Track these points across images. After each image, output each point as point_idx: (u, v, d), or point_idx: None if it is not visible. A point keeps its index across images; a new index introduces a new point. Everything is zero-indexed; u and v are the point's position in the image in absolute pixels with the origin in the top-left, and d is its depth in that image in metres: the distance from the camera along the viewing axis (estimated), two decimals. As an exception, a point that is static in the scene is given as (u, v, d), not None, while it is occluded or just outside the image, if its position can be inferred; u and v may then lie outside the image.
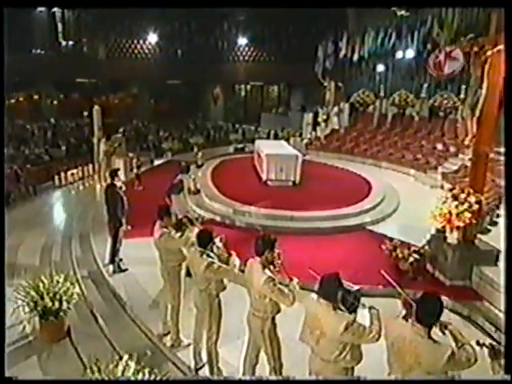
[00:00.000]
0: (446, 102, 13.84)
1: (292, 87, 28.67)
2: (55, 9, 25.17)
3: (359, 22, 23.26)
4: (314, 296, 3.34)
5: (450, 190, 6.23)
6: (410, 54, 15.59)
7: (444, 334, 2.83)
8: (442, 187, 11.21)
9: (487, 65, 5.70)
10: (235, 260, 4.04)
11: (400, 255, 6.33)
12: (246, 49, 27.44)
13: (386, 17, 20.68)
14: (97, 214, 9.33)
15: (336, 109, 16.62)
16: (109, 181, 6.57)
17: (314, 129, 16.62)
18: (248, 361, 3.92)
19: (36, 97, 26.84)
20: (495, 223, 7.83)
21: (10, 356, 5.23)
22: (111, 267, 6.65)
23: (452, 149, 12.41)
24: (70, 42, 25.93)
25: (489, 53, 5.63)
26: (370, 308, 3.24)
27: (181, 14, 25.48)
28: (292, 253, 3.96)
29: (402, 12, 20.29)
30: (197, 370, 4.42)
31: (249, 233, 7.32)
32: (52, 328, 5.41)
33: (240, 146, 16.67)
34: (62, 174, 12.99)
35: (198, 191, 10.08)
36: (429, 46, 18.47)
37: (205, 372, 4.41)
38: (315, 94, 27.40)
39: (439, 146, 12.88)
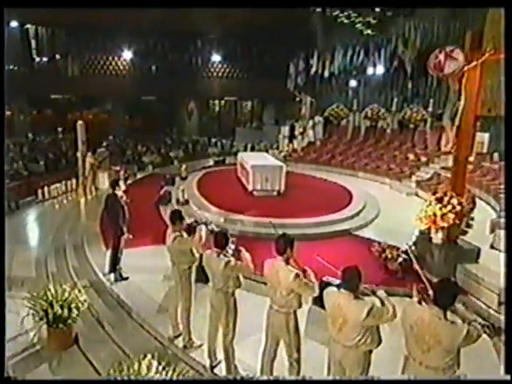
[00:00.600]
0: (415, 114, 14.52)
1: (265, 102, 29.19)
2: (28, 25, 24.89)
3: (328, 40, 24.05)
4: (333, 288, 3.58)
5: (433, 193, 6.62)
6: (380, 70, 16.28)
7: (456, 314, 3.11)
8: (416, 194, 11.75)
9: (464, 79, 6.16)
10: (248, 257, 4.25)
11: (389, 256, 6.66)
12: (220, 65, 27.80)
13: (353, 35, 21.53)
14: (87, 227, 9.32)
15: (311, 122, 17.09)
16: (110, 191, 6.64)
17: (291, 141, 17.02)
18: (267, 355, 4.09)
19: (8, 113, 26.25)
20: (470, 225, 8.32)
21: (21, 365, 5.22)
22: (112, 276, 6.68)
23: (423, 158, 13.02)
24: (44, 59, 25.59)
25: (465, 68, 6.08)
26: (374, 292, 3.52)
27: (155, 31, 25.65)
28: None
29: (368, 31, 21.16)
30: (212, 368, 4.55)
31: (243, 240, 7.50)
32: (60, 336, 5.42)
33: (220, 158, 16.87)
34: (46, 189, 12.81)
35: (186, 202, 10.20)
36: (395, 63, 19.42)
37: (221, 370, 4.55)
38: (287, 109, 28.05)
39: (411, 156, 13.49)
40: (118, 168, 13.24)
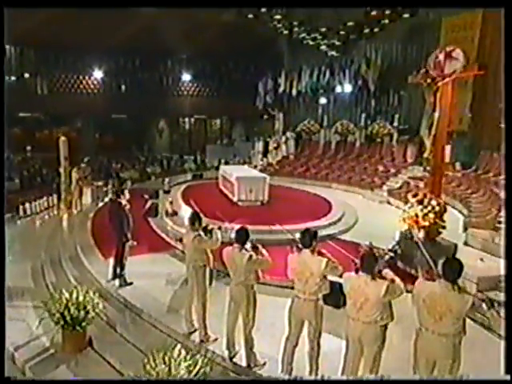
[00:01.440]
0: (381, 129, 15.38)
1: (233, 120, 29.77)
2: (-4, 44, 24.48)
3: (295, 60, 25.03)
4: (352, 273, 4.00)
5: (414, 196, 7.21)
6: (348, 88, 17.16)
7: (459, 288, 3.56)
8: (388, 202, 12.45)
9: (439, 93, 6.82)
10: (265, 253, 4.61)
11: (377, 255, 7.14)
12: (190, 84, 28.20)
13: (319, 56, 22.57)
14: (81, 238, 9.36)
15: (284, 138, 17.70)
16: (113, 198, 6.84)
17: (265, 156, 17.53)
18: (290, 342, 4.41)
19: (-26, 131, 25.53)
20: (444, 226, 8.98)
21: (39, 367, 5.30)
22: (117, 282, 6.82)
23: (392, 169, 13.83)
24: (13, 78, 25.19)
25: (439, 83, 6.76)
26: (380, 271, 3.97)
27: (126, 50, 25.83)
28: (282, 259, 4.62)
29: (333, 53, 22.25)
30: (231, 358, 4.82)
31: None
32: (75, 338, 5.55)
33: (198, 173, 17.14)
34: (27, 205, 12.68)
35: (175, 213, 10.42)
36: (359, 82, 20.48)
37: (241, 359, 4.82)
38: (255, 126, 28.76)
39: (380, 168, 14.27)
40: (100, 183, 13.26)
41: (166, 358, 4.08)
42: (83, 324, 5.47)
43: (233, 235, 5.07)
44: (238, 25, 22.20)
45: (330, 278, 5.35)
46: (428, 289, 3.59)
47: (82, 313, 5.39)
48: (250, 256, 4.43)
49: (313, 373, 4.32)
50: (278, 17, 20.05)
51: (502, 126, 11.87)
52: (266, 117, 27.97)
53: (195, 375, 4.01)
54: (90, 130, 28.11)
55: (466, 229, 8.07)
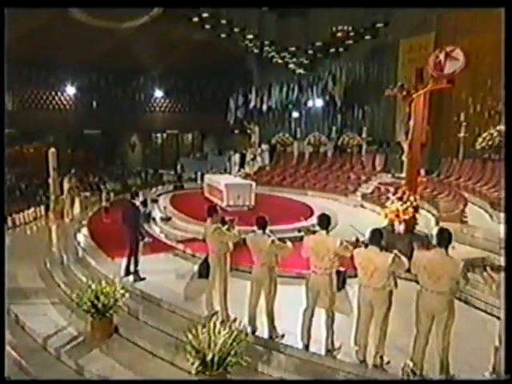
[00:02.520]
0: (351, 140, 16.46)
1: (204, 134, 30.36)
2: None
3: (264, 77, 26.11)
4: (362, 248, 4.74)
5: (394, 194, 8.09)
6: (319, 103, 18.22)
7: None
8: (362, 206, 13.39)
9: (413, 104, 7.78)
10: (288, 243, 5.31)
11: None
12: (162, 100, 28.64)
13: (287, 74, 23.71)
14: (83, 242, 9.66)
15: (259, 149, 18.50)
16: (128, 200, 7.33)
17: (242, 167, 18.22)
18: (307, 313, 5.06)
19: None
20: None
21: (74, 351, 5.69)
22: (131, 278, 7.25)
23: (363, 177, 14.87)
24: (-18, 93, 24.76)
25: (414, 96, 7.71)
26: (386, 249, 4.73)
27: (99, 67, 26.02)
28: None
29: (300, 70, 23.45)
30: (253, 332, 5.41)
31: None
32: (104, 326, 5.99)
33: (179, 184, 17.57)
34: (15, 215, 12.75)
35: (169, 218, 10.89)
36: (327, 98, 21.71)
37: (263, 333, 5.42)
38: (226, 140, 29.49)
39: (352, 176, 15.29)
40: (87, 194, 13.51)
41: (206, 329, 4.63)
42: (110, 312, 5.92)
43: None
44: (208, 43, 22.99)
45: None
46: (427, 257, 4.37)
47: (112, 301, 5.84)
48: (273, 240, 5.10)
49: (329, 338, 4.99)
50: (250, 36, 21.05)
51: (461, 135, 13.20)
52: (236, 131, 28.82)
53: (231, 343, 4.56)
54: (61, 146, 27.83)
55: (437, 223, 9.02)
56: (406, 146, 7.81)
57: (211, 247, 5.86)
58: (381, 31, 19.13)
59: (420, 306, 4.42)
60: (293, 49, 21.06)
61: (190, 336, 4.58)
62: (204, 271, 7.06)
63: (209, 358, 4.42)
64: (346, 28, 19.47)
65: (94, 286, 5.97)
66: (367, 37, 19.59)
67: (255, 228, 5.33)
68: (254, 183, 11.99)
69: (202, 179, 20.03)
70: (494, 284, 4.64)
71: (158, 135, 30.01)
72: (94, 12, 21.45)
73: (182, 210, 11.58)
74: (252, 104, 25.73)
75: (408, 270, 4.62)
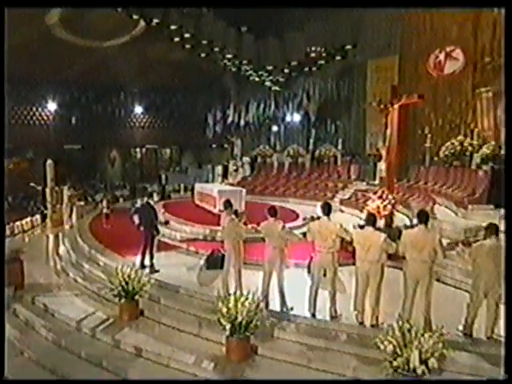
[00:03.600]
0: (327, 152, 17.69)
1: (183, 149, 31.12)
2: None
3: (241, 94, 27.29)
4: (358, 229, 5.74)
5: (374, 193, 9.20)
6: (297, 117, 19.44)
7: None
8: (341, 210, 14.49)
9: (389, 116, 8.95)
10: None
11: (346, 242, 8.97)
12: (142, 116, 29.27)
13: (264, 90, 24.97)
14: (89, 245, 10.24)
15: (240, 162, 19.46)
16: (145, 201, 8.11)
17: (226, 177, 19.08)
18: (314, 288, 5.98)
19: None
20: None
21: (108, 330, 6.38)
22: (146, 270, 7.96)
23: (340, 184, 16.07)
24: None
25: (390, 109, 8.90)
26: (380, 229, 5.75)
27: (80, 84, 26.52)
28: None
29: (276, 88, 24.76)
30: (266, 306, 6.27)
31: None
32: (131, 308, 6.70)
33: (166, 194, 18.25)
34: (12, 224, 13.14)
35: (166, 222, 11.61)
36: (302, 113, 23.00)
37: (275, 306, 6.29)
38: (203, 154, 30.36)
39: (329, 184, 16.45)
40: (82, 203, 14.05)
41: (233, 299, 5.47)
42: (137, 296, 6.66)
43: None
44: (187, 62, 24.00)
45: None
46: (412, 234, 5.44)
47: (139, 285, 6.58)
48: (283, 226, 6.05)
49: (332, 307, 5.93)
50: (230, 56, 22.19)
51: (427, 145, 14.59)
52: (214, 145, 29.77)
53: (255, 311, 5.41)
54: (41, 161, 27.95)
55: (411, 220, 10.17)
56: (384, 152, 8.96)
57: (226, 236, 6.73)
58: (350, 52, 20.66)
59: (407, 273, 5.44)
60: (270, 67, 22.30)
61: (221, 304, 5.40)
62: (211, 264, 7.99)
63: (238, 321, 5.26)
64: (318, 49, 20.91)
65: (120, 274, 6.70)
66: (338, 57, 21.10)
67: (268, 216, 6.25)
68: (244, 190, 12.90)
69: (186, 190, 20.87)
70: (465, 255, 5.68)
71: (138, 150, 30.51)
72: (77, 30, 22.13)
73: (177, 214, 12.33)
74: (230, 119, 26.82)
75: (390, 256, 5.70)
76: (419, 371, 4.24)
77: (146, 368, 5.51)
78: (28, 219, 13.74)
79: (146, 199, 8.30)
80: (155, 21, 20.40)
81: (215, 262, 8.19)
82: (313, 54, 21.01)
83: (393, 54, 19.15)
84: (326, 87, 22.90)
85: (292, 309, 6.22)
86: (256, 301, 5.53)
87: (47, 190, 13.28)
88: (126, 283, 6.53)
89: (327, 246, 5.84)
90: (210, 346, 5.81)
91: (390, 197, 8.82)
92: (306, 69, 22.20)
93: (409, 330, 4.52)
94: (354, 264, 6.15)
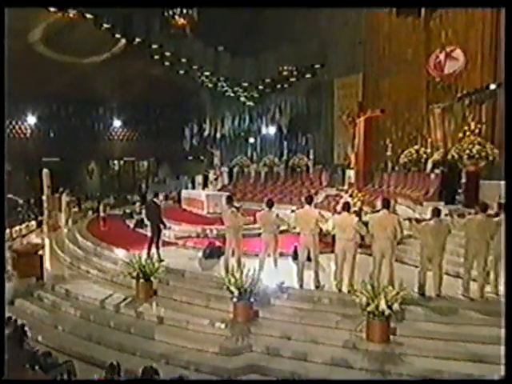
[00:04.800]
0: (300, 161, 19.28)
1: (160, 161, 32.10)
2: None
3: (216, 109, 28.68)
4: (335, 215, 7.19)
5: (346, 192, 10.72)
6: (272, 130, 21.00)
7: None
8: (314, 212, 15.99)
9: (356, 127, 10.55)
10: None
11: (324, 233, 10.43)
12: (120, 130, 30.11)
13: (238, 105, 26.49)
14: (93, 241, 11.24)
15: (219, 171, 20.77)
16: (151, 200, 9.30)
17: (206, 186, 20.28)
18: (301, 263, 7.35)
19: None
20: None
21: (129, 306, 7.52)
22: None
23: (312, 190, 17.64)
24: None
25: (357, 121, 10.51)
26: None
27: (59, 98, 27.24)
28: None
29: (250, 103, 26.33)
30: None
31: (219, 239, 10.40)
32: (147, 288, 7.85)
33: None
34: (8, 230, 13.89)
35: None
36: (275, 127, 24.60)
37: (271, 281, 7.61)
38: (180, 166, 31.43)
39: (303, 190, 17.99)
40: (76, 209, 14.95)
41: (238, 271, 6.77)
42: (152, 278, 7.83)
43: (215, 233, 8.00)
44: (164, 77, 25.24)
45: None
46: (377, 216, 6.95)
47: (154, 268, 7.76)
48: (277, 215, 7.43)
49: (316, 278, 7.31)
50: (207, 73, 23.64)
51: (388, 154, 16.38)
52: (190, 157, 30.94)
53: (256, 283, 6.72)
54: (19, 173, 28.30)
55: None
56: (353, 157, 10.53)
57: (228, 224, 8.05)
58: (318, 71, 22.51)
59: (375, 248, 6.93)
60: (245, 84, 23.86)
61: (230, 276, 6.69)
62: (209, 254, 9.27)
63: (243, 288, 6.55)
64: (290, 68, 22.67)
65: (137, 259, 7.88)
66: (307, 75, 22.92)
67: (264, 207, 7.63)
68: (229, 194, 14.18)
69: (166, 199, 21.93)
70: (418, 228, 7.16)
71: (116, 162, 31.27)
72: (58, 48, 23.03)
73: (169, 217, 13.44)
74: (206, 132, 28.16)
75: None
76: (386, 313, 5.67)
77: (169, 331, 6.69)
78: (24, 225, 14.49)
79: (152, 198, 9.47)
80: (137, 39, 21.60)
81: (212, 252, 9.47)
82: (285, 73, 22.75)
83: (356, 73, 21.07)
84: (297, 103, 24.63)
85: (283, 283, 7.55)
86: (256, 275, 6.85)
87: (44, 197, 14.26)
88: (143, 267, 7.70)
89: (309, 229, 7.25)
90: (219, 313, 7.04)
91: (359, 195, 10.36)
92: (279, 86, 23.90)
93: (377, 286, 5.96)
94: (332, 252, 7.62)
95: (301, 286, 7.36)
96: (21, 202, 24.37)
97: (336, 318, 6.53)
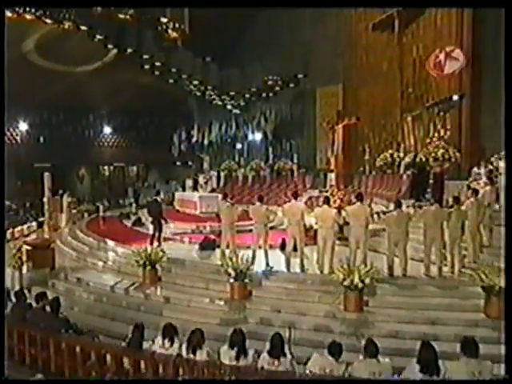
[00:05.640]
0: (285, 166, 20.50)
1: (149, 167, 32.99)
2: None
3: (203, 116, 29.78)
4: (318, 208, 8.35)
5: (326, 191, 11.89)
6: (258, 136, 22.20)
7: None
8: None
9: (336, 133, 11.74)
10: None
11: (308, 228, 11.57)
12: (110, 136, 30.93)
13: (225, 113, 27.64)
14: (94, 239, 12.16)
15: (208, 175, 21.82)
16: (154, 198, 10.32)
17: (196, 189, 21.28)
18: (288, 251, 8.48)
19: None
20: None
21: (136, 290, 8.51)
22: (156, 251, 10.09)
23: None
24: None
25: (336, 128, 11.70)
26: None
27: (51, 106, 27.96)
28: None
29: (236, 111, 27.52)
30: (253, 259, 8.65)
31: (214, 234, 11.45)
32: (152, 275, 8.83)
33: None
34: (11, 230, 14.71)
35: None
36: (261, 133, 25.79)
37: (261, 266, 8.69)
38: (168, 171, 32.38)
39: (288, 192, 19.17)
40: (75, 211, 15.82)
41: (234, 256, 7.86)
42: (157, 265, 8.83)
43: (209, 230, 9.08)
44: (153, 86, 26.22)
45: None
46: (353, 207, 8.11)
47: (160, 255, 8.77)
48: (267, 208, 8.55)
49: (301, 264, 8.42)
50: (196, 82, 24.72)
51: (366, 158, 17.70)
52: (178, 163, 31.90)
53: (250, 265, 7.82)
54: (11, 178, 28.83)
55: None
56: (333, 160, 11.72)
57: (224, 217, 9.13)
58: (301, 81, 23.83)
59: (351, 235, 8.09)
60: (232, 93, 25.04)
61: (228, 260, 7.76)
62: (205, 247, 10.31)
63: (239, 270, 7.63)
64: (274, 77, 23.95)
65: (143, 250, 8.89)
66: (291, 85, 24.22)
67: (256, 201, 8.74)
68: (220, 195, 15.24)
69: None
70: (384, 218, 8.36)
71: (106, 168, 32.04)
72: (51, 57, 23.85)
73: (168, 217, 14.45)
74: (194, 139, 29.23)
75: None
76: (359, 286, 6.81)
77: (174, 308, 7.71)
78: (25, 226, 15.29)
79: (154, 197, 10.51)
80: (129, 50, 22.59)
81: (208, 245, 10.52)
82: (270, 82, 24.02)
83: (337, 83, 22.47)
84: (281, 110, 25.92)
85: (272, 267, 8.64)
86: (249, 260, 7.95)
87: (45, 199, 15.09)
88: (149, 255, 8.71)
89: (296, 220, 8.38)
90: (217, 293, 8.06)
91: (339, 193, 11.54)
92: (264, 94, 25.15)
93: (353, 266, 7.13)
94: (315, 244, 8.73)
95: (288, 269, 8.47)
96: (14, 206, 25.15)
97: (318, 294, 7.64)
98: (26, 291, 7.25)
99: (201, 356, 4.97)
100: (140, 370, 5.16)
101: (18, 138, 28.34)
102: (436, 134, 15.68)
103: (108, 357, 5.28)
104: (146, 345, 5.37)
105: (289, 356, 4.85)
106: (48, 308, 6.12)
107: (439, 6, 15.65)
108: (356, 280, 6.81)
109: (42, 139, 29.22)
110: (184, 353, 5.05)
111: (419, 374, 4.46)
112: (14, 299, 6.62)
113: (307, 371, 4.75)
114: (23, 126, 27.92)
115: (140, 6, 18.76)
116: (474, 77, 15.21)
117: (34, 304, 6.38)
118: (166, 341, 5.20)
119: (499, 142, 13.50)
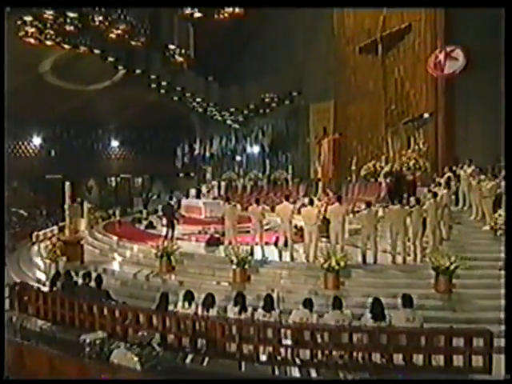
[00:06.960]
0: (281, 176, 22.33)
1: (153, 178, 34.82)
2: None
3: (205, 130, 31.72)
4: (304, 208, 10.14)
5: (314, 196, 13.67)
6: (256, 149, 24.09)
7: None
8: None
9: (322, 147, 13.58)
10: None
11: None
12: (117, 149, 32.80)
13: (225, 127, 29.57)
14: (110, 239, 13.88)
15: (210, 185, 23.63)
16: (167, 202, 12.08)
17: (199, 197, 23.06)
18: (280, 245, 10.23)
19: None
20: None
21: (155, 278, 10.23)
22: (169, 247, 11.82)
23: (291, 200, 20.61)
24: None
25: (322, 142, 13.54)
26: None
27: (63, 120, 29.86)
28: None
29: (235, 125, 29.45)
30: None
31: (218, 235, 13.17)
32: (167, 264, 10.57)
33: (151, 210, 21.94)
34: (35, 233, 16.44)
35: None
36: (259, 146, 27.65)
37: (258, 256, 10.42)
38: (172, 183, 34.16)
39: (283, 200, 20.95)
40: (92, 217, 17.56)
41: (237, 247, 9.61)
42: (172, 256, 10.56)
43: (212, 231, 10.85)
44: (158, 103, 28.15)
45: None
46: (333, 207, 9.91)
47: (174, 249, 10.50)
48: (263, 207, 10.35)
49: (291, 255, 10.16)
50: (199, 100, 26.66)
51: (353, 168, 19.54)
52: (181, 175, 33.72)
53: (248, 256, 9.58)
54: (24, 189, 30.64)
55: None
56: (319, 169, 13.54)
57: (227, 217, 10.90)
58: (296, 98, 25.77)
59: (331, 229, 9.85)
60: (231, 109, 26.98)
61: (231, 250, 9.51)
62: (211, 243, 12.04)
63: (240, 257, 9.37)
64: (271, 95, 25.89)
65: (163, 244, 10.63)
66: (286, 102, 26.17)
67: (253, 203, 10.53)
68: (222, 201, 17.02)
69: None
70: (357, 216, 10.14)
71: (113, 179, 33.86)
72: (66, 77, 25.76)
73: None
74: (196, 152, 31.14)
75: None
76: (336, 268, 8.56)
77: (188, 288, 9.41)
78: (48, 229, 17.02)
79: (167, 200, 12.28)
80: (137, 71, 24.52)
81: (213, 242, 12.25)
82: (266, 99, 25.96)
83: (329, 100, 24.34)
84: (277, 125, 27.85)
85: (267, 258, 10.39)
86: (248, 251, 9.72)
87: (66, 206, 16.81)
88: (165, 248, 10.45)
89: (286, 218, 10.16)
90: (222, 278, 9.81)
91: (326, 198, 13.33)
92: (261, 110, 27.09)
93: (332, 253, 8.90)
94: (302, 241, 10.46)
95: (280, 259, 10.22)
96: (25, 214, 26.95)
97: (304, 277, 9.41)
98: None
99: (212, 313, 6.71)
100: (165, 326, 6.90)
101: (32, 152, 30.18)
102: (416, 147, 17.55)
103: (141, 317, 7.02)
104: (169, 308, 7.11)
105: (277, 310, 6.59)
106: (93, 283, 7.84)
107: (439, 6, 15.96)
108: (333, 263, 8.57)
109: (53, 152, 31.05)
110: (199, 311, 6.79)
111: (370, 321, 6.20)
112: (62, 279, 8.34)
113: (290, 321, 6.48)
114: (37, 141, 29.78)
115: (140, 5, 19.95)
116: (447, 95, 17.20)
117: (80, 281, 8.10)
118: (186, 303, 6.93)
119: (472, 152, 15.53)
